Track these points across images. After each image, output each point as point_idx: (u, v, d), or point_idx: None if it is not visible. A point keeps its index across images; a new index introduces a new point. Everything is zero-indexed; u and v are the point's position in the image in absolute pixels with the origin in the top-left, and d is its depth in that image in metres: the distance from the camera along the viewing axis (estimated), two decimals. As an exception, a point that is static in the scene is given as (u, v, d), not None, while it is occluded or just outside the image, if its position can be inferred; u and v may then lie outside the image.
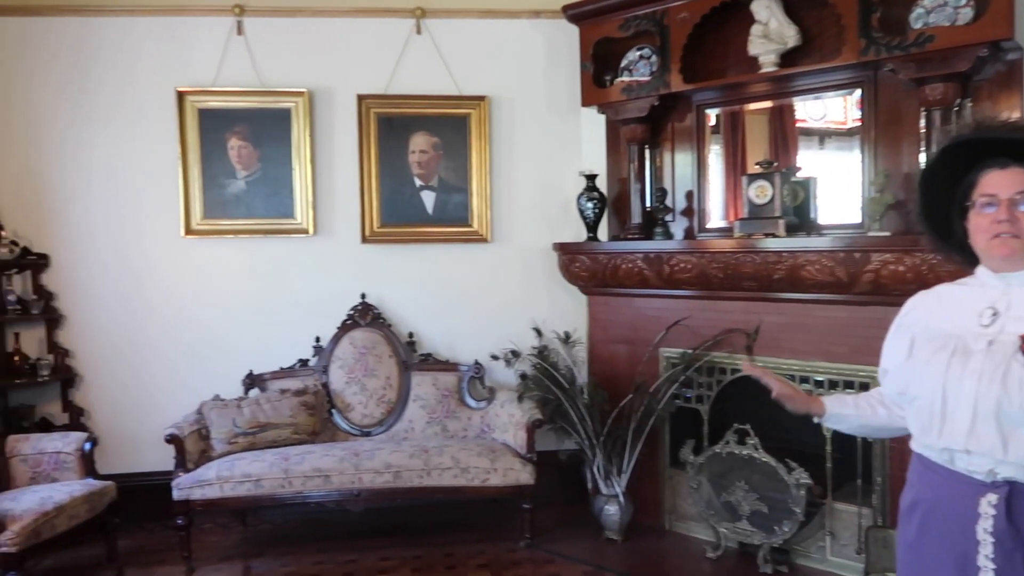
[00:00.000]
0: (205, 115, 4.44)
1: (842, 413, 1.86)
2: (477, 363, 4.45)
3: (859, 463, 3.45)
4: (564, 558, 3.77)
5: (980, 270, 1.64)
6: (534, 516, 3.92)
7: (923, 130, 3.41)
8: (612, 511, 3.94)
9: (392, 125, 4.58)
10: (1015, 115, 3.29)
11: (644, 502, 4.13)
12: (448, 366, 4.48)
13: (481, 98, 4.57)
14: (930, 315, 1.68)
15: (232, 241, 4.49)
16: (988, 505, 1.49)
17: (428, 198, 4.62)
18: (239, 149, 4.48)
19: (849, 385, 3.51)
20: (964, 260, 1.69)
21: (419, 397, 4.35)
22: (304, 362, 4.46)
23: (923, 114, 3.40)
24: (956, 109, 3.35)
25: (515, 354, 4.24)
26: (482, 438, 4.21)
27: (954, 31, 3.22)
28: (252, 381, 4.33)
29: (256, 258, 4.52)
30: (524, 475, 3.84)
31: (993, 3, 3.12)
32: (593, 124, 4.57)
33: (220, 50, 4.42)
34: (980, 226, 1.58)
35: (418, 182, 4.61)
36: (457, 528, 4.14)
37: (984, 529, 1.49)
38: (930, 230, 1.72)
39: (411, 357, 4.48)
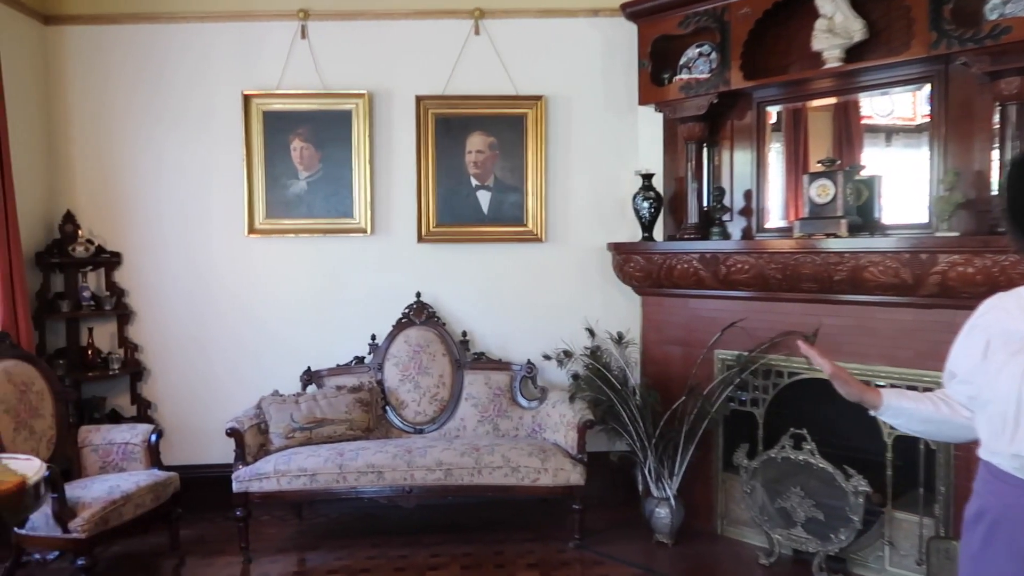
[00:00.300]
0: (269, 117, 4.57)
1: (901, 406, 1.80)
2: (529, 363, 4.45)
3: (921, 471, 3.31)
4: (614, 560, 3.74)
5: None
6: (584, 517, 3.90)
7: (997, 126, 3.27)
8: (663, 514, 3.88)
9: (449, 125, 4.62)
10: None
11: (696, 506, 4.06)
12: (500, 365, 4.50)
13: (538, 98, 4.57)
14: (1009, 317, 1.61)
15: (293, 240, 4.61)
16: None
17: (484, 198, 4.65)
18: (301, 150, 4.60)
19: (913, 390, 3.37)
20: None
21: (471, 396, 4.38)
22: (360, 359, 4.54)
23: (997, 109, 3.25)
24: (1033, 104, 3.19)
25: (567, 354, 4.23)
26: (533, 438, 4.20)
27: (1031, 22, 3.07)
28: (310, 377, 4.43)
29: (315, 257, 4.63)
30: (574, 476, 3.82)
31: (1075, -9, 2.96)
32: (650, 123, 4.52)
33: (284, 54, 4.54)
34: None
35: (474, 182, 4.64)
36: (507, 527, 4.15)
37: None
38: (1015, 228, 1.63)
39: (464, 356, 4.51)
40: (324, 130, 4.58)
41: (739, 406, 3.98)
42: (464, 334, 4.59)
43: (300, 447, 3.99)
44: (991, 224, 3.21)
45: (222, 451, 4.10)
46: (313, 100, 4.57)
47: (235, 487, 3.80)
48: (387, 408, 4.41)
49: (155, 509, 3.73)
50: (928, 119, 3.55)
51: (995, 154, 3.28)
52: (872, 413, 1.83)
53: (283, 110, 4.57)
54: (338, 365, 4.51)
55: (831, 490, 3.43)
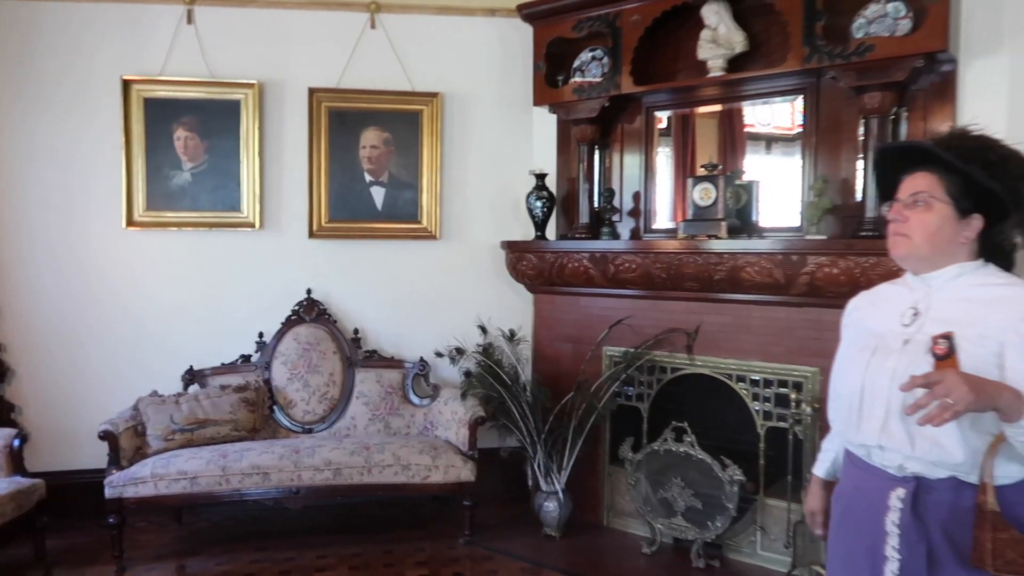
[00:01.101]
0: (151, 104, 4.36)
1: (836, 464, 1.87)
2: (422, 360, 4.43)
3: (790, 460, 3.50)
4: (503, 555, 3.77)
5: (907, 273, 1.69)
6: (475, 513, 3.91)
7: (861, 137, 3.48)
8: (551, 508, 3.95)
9: (343, 119, 4.54)
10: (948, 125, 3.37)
11: (583, 499, 4.15)
12: (393, 363, 4.46)
13: (434, 94, 4.56)
14: (866, 315, 1.73)
15: (176, 234, 4.42)
16: (896, 498, 1.53)
17: (378, 194, 4.59)
18: (185, 140, 4.41)
19: (784, 384, 3.58)
20: None
21: (363, 394, 4.32)
22: (246, 358, 4.40)
23: (861, 122, 3.47)
24: (892, 118, 3.42)
25: (460, 351, 4.24)
26: (425, 435, 4.19)
27: (893, 42, 3.29)
28: (192, 377, 4.26)
29: (200, 252, 4.45)
30: (465, 472, 3.83)
31: (930, 16, 3.20)
32: (545, 124, 4.59)
33: (169, 39, 4.35)
34: (888, 229, 1.64)
35: (368, 178, 4.58)
36: (397, 526, 4.12)
37: (892, 521, 1.53)
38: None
39: (356, 354, 4.45)
40: (211, 120, 4.41)
41: (625, 401, 4.10)
42: (356, 332, 4.52)
43: (180, 449, 3.83)
44: (855, 228, 3.43)
45: (95, 456, 3.87)
46: (199, 88, 4.39)
47: (108, 493, 3.60)
48: (275, 408, 4.29)
49: (17, 519, 3.49)
50: (801, 129, 3.76)
51: (860, 163, 3.50)
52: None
53: (166, 97, 4.37)
54: (223, 364, 4.35)
55: (709, 480, 3.58)
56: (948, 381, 1.32)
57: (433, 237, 4.60)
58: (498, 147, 4.68)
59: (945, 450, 1.45)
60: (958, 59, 3.30)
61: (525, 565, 3.67)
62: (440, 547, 3.86)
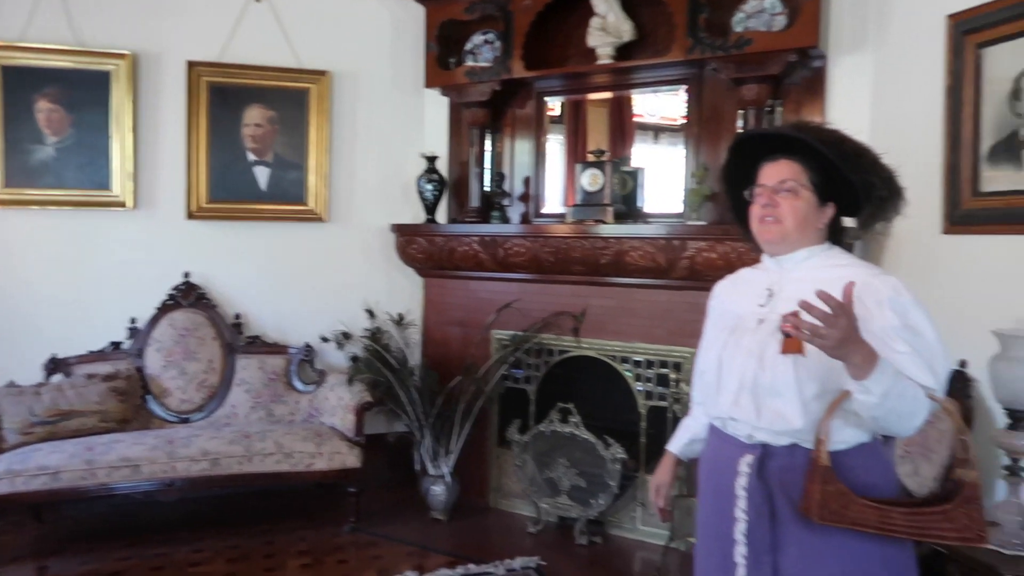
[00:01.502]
0: (9, 73, 4.04)
1: (693, 443, 1.94)
2: (308, 346, 4.30)
3: (668, 438, 3.59)
4: (389, 540, 3.72)
5: (764, 255, 1.77)
6: (360, 500, 3.84)
7: (740, 128, 3.61)
8: (439, 491, 3.93)
9: (225, 95, 4.34)
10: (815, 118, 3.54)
11: (471, 482, 4.15)
12: (276, 349, 4.31)
13: (322, 73, 4.43)
14: (728, 297, 1.82)
15: (37, 213, 4.11)
16: (745, 464, 1.62)
17: (262, 174, 4.42)
18: (49, 113, 4.11)
19: (665, 365, 3.69)
20: (757, 248, 1.81)
21: (244, 381, 4.16)
22: (117, 345, 4.15)
23: (740, 113, 3.60)
24: (768, 110, 3.57)
25: (347, 336, 4.14)
26: (310, 422, 4.08)
27: (769, 36, 3.43)
28: (55, 366, 3.97)
29: (65, 232, 4.15)
30: (351, 458, 3.76)
31: (803, 13, 3.35)
32: (436, 106, 4.54)
33: (30, 1, 4.02)
34: (754, 214, 1.70)
35: (251, 157, 4.40)
36: (279, 516, 3.99)
37: (740, 485, 1.62)
38: (737, 221, 1.84)
39: (237, 339, 4.27)
40: (78, 92, 4.12)
41: (513, 384, 4.13)
42: (238, 317, 4.34)
43: (41, 443, 3.56)
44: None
45: (-58, 450, 3.57)
46: (65, 57, 4.10)
47: (-43, 491, 3.32)
48: (148, 397, 4.06)
49: None
50: (685, 120, 3.87)
51: (737, 153, 3.63)
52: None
53: (27, 66, 4.05)
54: (91, 352, 4.08)
55: (593, 459, 3.65)
56: (840, 322, 1.35)
57: (320, 219, 4.47)
58: (389, 129, 4.59)
59: (787, 420, 1.56)
60: (828, 55, 3.48)
61: (411, 549, 3.63)
62: (324, 535, 3.77)
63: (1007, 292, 2.70)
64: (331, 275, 4.50)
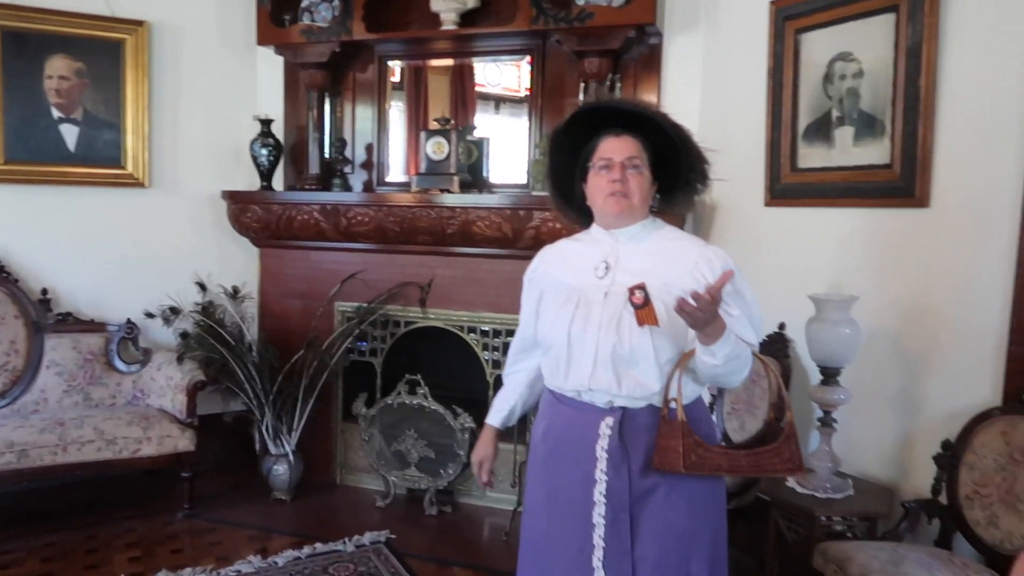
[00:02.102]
0: None
1: (512, 414, 2.01)
2: (129, 322, 3.95)
3: (518, 406, 3.67)
4: (227, 524, 3.53)
5: (594, 227, 1.80)
6: (195, 485, 3.62)
7: (581, 100, 3.69)
8: (281, 471, 3.78)
9: (23, 43, 3.84)
10: (652, 94, 3.69)
11: (316, 459, 4.02)
12: (93, 326, 3.92)
13: (139, 23, 4.02)
14: (555, 270, 1.82)
15: None
16: (606, 427, 1.67)
17: (69, 133, 3.97)
18: None
19: (511, 334, 3.72)
20: (579, 219, 1.85)
21: (55, 363, 3.75)
22: None
23: (581, 86, 3.68)
24: (608, 84, 3.67)
25: (175, 311, 3.83)
26: (134, 405, 3.76)
27: (609, 11, 3.50)
28: None
29: None
30: (183, 442, 3.52)
31: (642, -11, 3.45)
32: (271, 66, 4.27)
33: None
34: (598, 186, 1.72)
35: (56, 113, 3.93)
36: (103, 507, 3.67)
37: (601, 447, 1.67)
38: (553, 189, 1.87)
39: (45, 317, 3.84)
40: None
41: (359, 357, 4.03)
42: (45, 292, 3.89)
43: None
44: (574, 186, 3.63)
45: None
46: None
47: None
48: (-65, 384, 3.58)
49: None
50: (528, 92, 3.90)
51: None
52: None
53: None
54: None
55: (441, 429, 3.66)
56: (711, 304, 1.46)
57: (141, 184, 4.09)
58: (218, 88, 4.27)
59: (646, 386, 1.64)
60: (663, 33, 3.62)
61: (253, 533, 3.46)
62: (155, 525, 3.51)
63: (821, 260, 2.98)
64: (155, 246, 4.14)
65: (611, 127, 1.73)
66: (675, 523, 1.66)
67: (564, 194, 1.84)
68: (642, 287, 1.53)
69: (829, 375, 2.62)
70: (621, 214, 1.71)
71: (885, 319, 2.77)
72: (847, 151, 2.90)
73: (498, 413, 2.03)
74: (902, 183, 2.70)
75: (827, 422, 2.65)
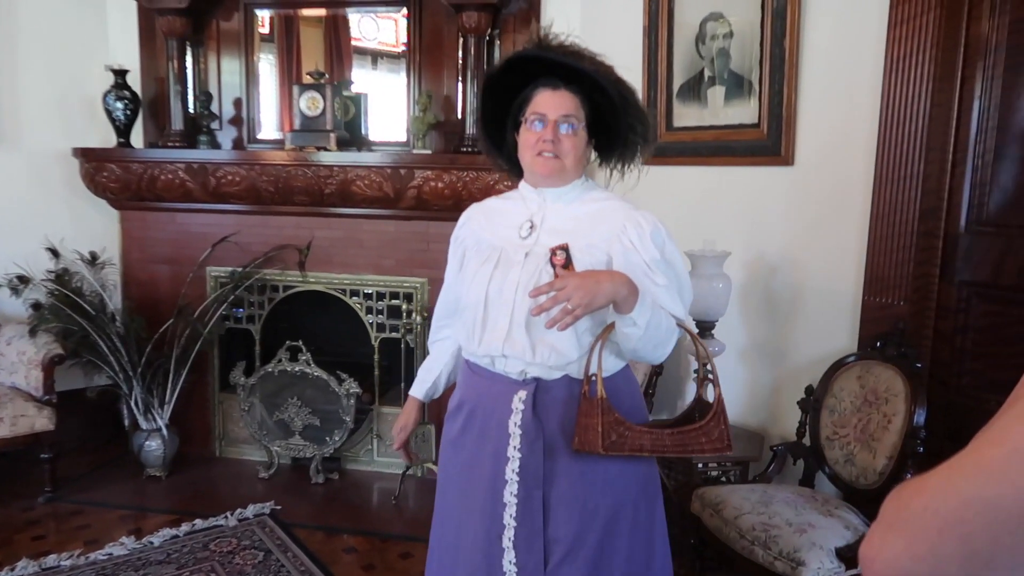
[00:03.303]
0: None
1: (437, 385, 1.86)
2: (-29, 293, 3.61)
3: (403, 368, 3.65)
4: (96, 505, 3.32)
5: (522, 184, 1.70)
6: (57, 466, 3.38)
7: (460, 56, 3.62)
8: (154, 446, 3.58)
9: None
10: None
11: (191, 432, 3.85)
12: (-74, 299, 3.56)
13: (-35, -43, 3.59)
14: (480, 228, 1.72)
15: None
16: (519, 401, 1.58)
17: None
18: None
19: (395, 296, 3.68)
20: (511, 170, 1.74)
21: None
22: None
23: (460, 41, 3.59)
24: (487, 39, 3.61)
25: (24, 280, 3.51)
26: (-18, 383, 3.46)
27: (486, -38, 3.42)
28: None
29: None
30: (41, 421, 3.26)
31: (512, -61, 3.39)
32: (122, 10, 3.92)
33: None
34: (528, 142, 1.61)
35: None
36: (-50, 495, 3.38)
37: (515, 423, 1.58)
38: (485, 137, 1.74)
39: None
40: None
41: (235, 324, 3.85)
42: None
43: None
44: (457, 144, 3.58)
45: None
46: None
47: None
48: None
49: None
50: (405, 46, 3.78)
51: (460, 82, 3.65)
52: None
53: None
54: None
55: (326, 396, 3.57)
56: (568, 287, 1.38)
57: (-25, 141, 3.70)
58: (62, 33, 3.88)
59: (562, 354, 1.54)
60: (542, -14, 3.58)
61: (125, 513, 3.28)
62: (12, 511, 3.25)
63: (696, 216, 3.08)
64: (-4, 208, 3.77)
65: (549, 77, 1.60)
66: (589, 501, 1.57)
67: (496, 142, 1.73)
68: (565, 248, 1.48)
69: (704, 328, 2.73)
70: (548, 175, 1.61)
71: (754, 273, 2.91)
72: (718, 111, 2.99)
73: (422, 384, 1.88)
74: (769, 142, 2.82)
75: (703, 375, 2.76)
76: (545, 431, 1.58)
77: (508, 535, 1.58)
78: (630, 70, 3.23)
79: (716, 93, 3.00)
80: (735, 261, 2.80)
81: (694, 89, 3.08)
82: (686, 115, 3.12)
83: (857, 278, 2.63)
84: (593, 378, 1.50)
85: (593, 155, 1.72)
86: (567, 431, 1.56)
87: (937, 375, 2.58)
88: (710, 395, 1.60)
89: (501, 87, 1.67)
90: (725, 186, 3.00)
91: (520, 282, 1.55)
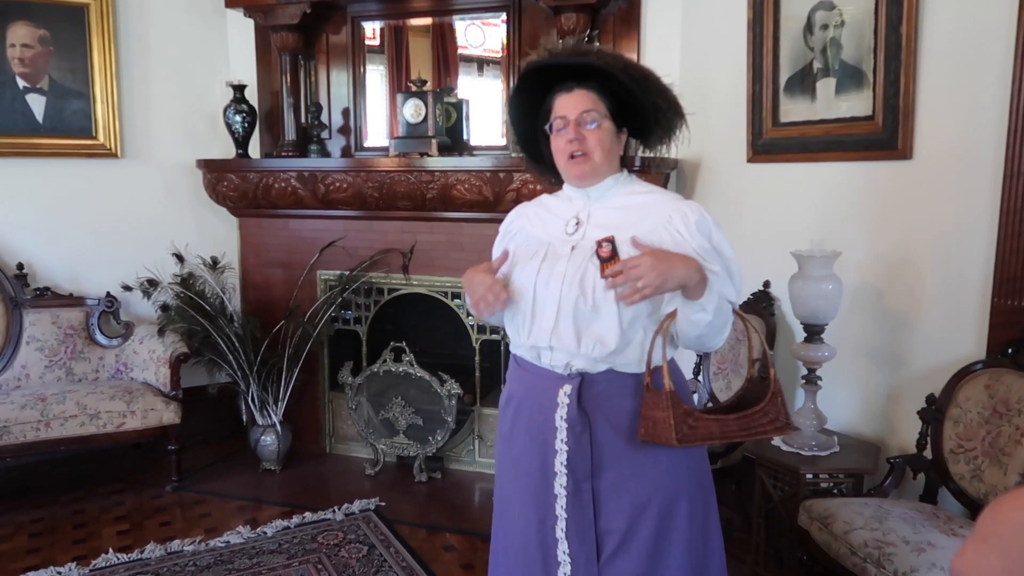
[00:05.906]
0: None
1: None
2: (109, 295, 3.90)
3: (503, 371, 3.66)
4: (217, 496, 3.53)
5: (566, 186, 1.72)
6: (182, 457, 3.62)
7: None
8: (269, 441, 3.77)
9: (-19, 11, 3.72)
10: (631, 49, 3.61)
11: (303, 429, 4.03)
12: (72, 301, 3.87)
13: (101, -13, 3.90)
14: (530, 224, 1.75)
15: None
16: (564, 395, 1.60)
17: (36, 103, 3.87)
18: None
19: (496, 298, 3.70)
20: (557, 179, 1.76)
21: (35, 338, 3.71)
22: None
23: (559, 43, 3.58)
24: (586, 39, 3.57)
25: (153, 283, 3.78)
26: (118, 379, 3.74)
27: (586, -37, 3.40)
28: None
29: None
30: (168, 415, 3.50)
31: (619, -58, 3.35)
32: (241, 29, 4.16)
33: None
34: (558, 148, 1.64)
35: (22, 83, 3.83)
36: (91, 482, 3.67)
37: (560, 416, 1.60)
38: (524, 153, 1.79)
39: (22, 293, 3.78)
40: None
41: (343, 325, 4.00)
42: (21, 267, 3.83)
43: None
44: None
45: None
46: None
47: None
48: (-87, 364, 3.53)
49: None
50: (504, 51, 3.81)
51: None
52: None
53: None
54: None
55: (428, 396, 3.64)
56: (643, 265, 1.41)
57: (113, 155, 4.01)
58: (188, 53, 4.16)
59: (605, 343, 1.55)
60: (641, -13, 3.53)
61: (242, 503, 3.47)
62: (143, 498, 3.51)
63: (803, 216, 2.95)
64: (130, 217, 4.07)
65: (563, 82, 1.63)
66: (639, 493, 1.59)
67: (535, 156, 1.77)
68: (610, 240, 1.49)
69: (813, 332, 2.60)
70: (584, 177, 1.63)
71: (868, 274, 2.75)
72: (829, 104, 2.84)
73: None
74: (885, 135, 2.65)
75: (812, 380, 2.64)
76: (592, 425, 1.60)
77: (560, 526, 1.63)
78: (732, 65, 3.15)
79: (826, 85, 2.85)
80: (847, 262, 2.65)
81: (803, 82, 2.94)
82: (794, 110, 2.98)
83: (984, 279, 2.43)
84: (656, 370, 1.52)
85: (635, 143, 1.73)
86: (613, 424, 1.58)
87: (1079, 385, 2.35)
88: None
89: (527, 105, 1.71)
90: (836, 183, 2.85)
91: (566, 275, 1.59)
